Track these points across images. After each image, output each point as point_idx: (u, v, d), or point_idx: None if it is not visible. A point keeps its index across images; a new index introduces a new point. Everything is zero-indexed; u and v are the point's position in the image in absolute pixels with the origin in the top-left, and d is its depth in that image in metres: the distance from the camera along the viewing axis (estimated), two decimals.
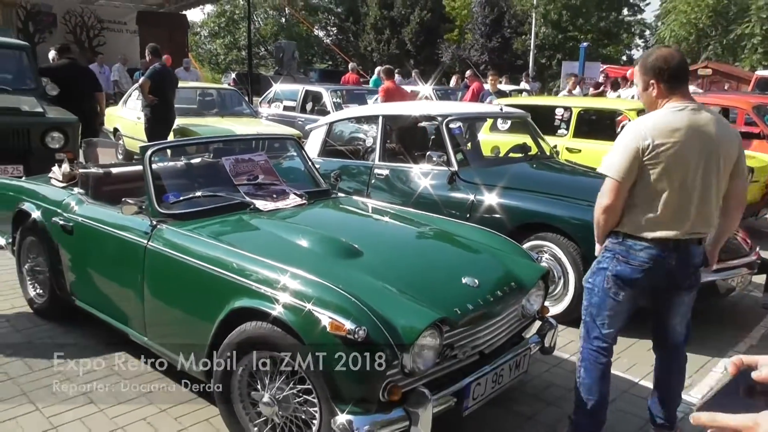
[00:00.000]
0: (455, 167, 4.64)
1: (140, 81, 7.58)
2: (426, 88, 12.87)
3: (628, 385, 3.34)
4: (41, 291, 3.86)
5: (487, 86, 10.02)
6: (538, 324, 3.06)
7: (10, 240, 4.04)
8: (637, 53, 31.09)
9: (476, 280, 2.67)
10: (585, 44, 20.02)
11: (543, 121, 6.72)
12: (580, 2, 26.53)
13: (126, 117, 9.69)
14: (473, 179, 4.60)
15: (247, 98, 11.06)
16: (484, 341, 2.66)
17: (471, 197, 4.50)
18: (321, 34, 37.84)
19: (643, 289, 2.49)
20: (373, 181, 5.14)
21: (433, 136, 5.70)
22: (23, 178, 4.25)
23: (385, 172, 5.08)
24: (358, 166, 5.36)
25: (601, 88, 13.42)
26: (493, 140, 7.09)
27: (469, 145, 5.83)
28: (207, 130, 7.82)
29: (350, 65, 14.25)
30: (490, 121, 7.84)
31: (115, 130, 9.85)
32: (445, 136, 4.76)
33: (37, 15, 17.86)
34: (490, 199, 4.38)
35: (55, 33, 18.16)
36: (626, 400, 3.18)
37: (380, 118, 5.25)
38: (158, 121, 7.75)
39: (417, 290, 2.49)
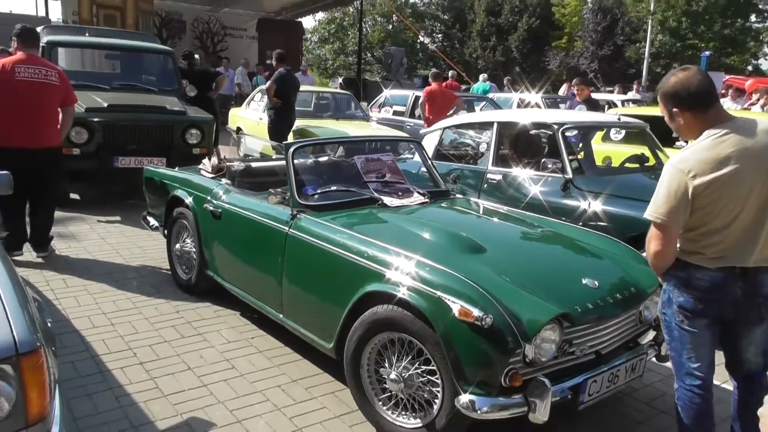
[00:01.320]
0: (570, 174, 4.69)
1: (266, 84, 8.15)
2: (534, 96, 12.80)
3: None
4: (187, 269, 4.34)
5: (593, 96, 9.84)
6: (653, 333, 3.09)
7: (163, 223, 4.57)
8: (766, 63, 28.96)
9: (596, 282, 2.77)
10: (707, 53, 18.97)
11: (661, 132, 6.57)
12: (702, 8, 25.09)
13: (248, 117, 10.41)
14: (588, 187, 4.63)
15: (358, 102, 11.51)
16: (601, 341, 2.74)
17: (584, 205, 4.54)
18: (426, 40, 38.24)
19: (714, 319, 2.28)
20: (485, 185, 5.28)
21: (546, 144, 5.75)
22: (177, 168, 4.78)
23: (498, 177, 5.20)
24: (470, 171, 5.53)
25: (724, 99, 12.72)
26: (605, 150, 7.00)
27: (582, 153, 5.84)
28: (324, 132, 8.28)
29: (450, 72, 14.43)
30: (601, 132, 7.73)
31: (238, 129, 10.60)
32: (561, 143, 4.82)
33: (170, 22, 19.47)
34: (605, 207, 4.40)
35: (184, 38, 19.70)
36: None
37: (495, 125, 5.39)
38: (281, 122, 8.33)
39: (539, 287, 2.63)
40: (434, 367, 2.55)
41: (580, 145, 5.99)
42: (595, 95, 11.66)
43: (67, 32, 8.62)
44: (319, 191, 3.50)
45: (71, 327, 3.67)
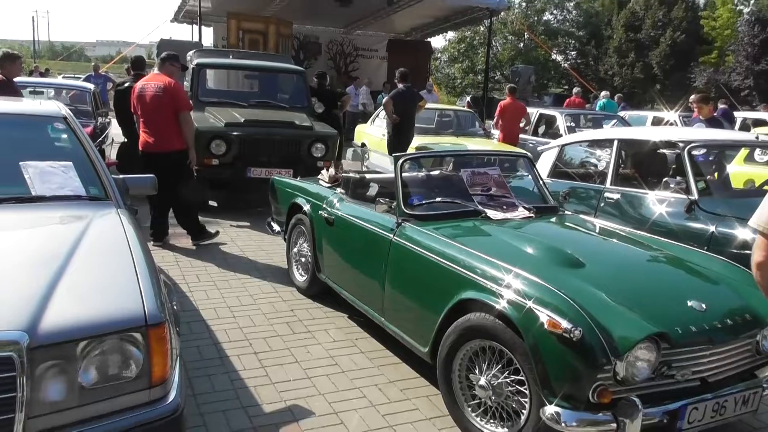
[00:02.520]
0: (695, 196, 4.43)
1: (384, 100, 8.47)
2: (671, 115, 12.10)
3: None
4: (303, 272, 4.66)
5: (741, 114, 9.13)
6: None
7: (284, 228, 4.95)
8: None
9: (703, 305, 2.64)
10: None
11: None
12: None
13: (372, 134, 10.85)
14: (716, 210, 4.34)
15: (480, 120, 11.55)
16: (707, 368, 2.60)
17: (711, 228, 4.26)
18: (559, 58, 37.29)
19: None
20: (602, 204, 5.13)
21: (671, 164, 5.46)
22: (298, 178, 5.16)
23: (616, 196, 5.03)
24: (587, 189, 5.38)
25: None
26: (749, 172, 6.49)
27: (715, 174, 5.48)
28: (441, 148, 8.43)
29: (574, 89, 14.02)
30: (744, 152, 7.17)
31: (363, 144, 11.07)
32: (687, 162, 4.57)
33: (307, 44, 20.75)
34: (735, 232, 4.10)
35: (319, 59, 20.87)
36: None
37: (615, 142, 5.22)
38: (400, 138, 8.59)
39: (637, 305, 2.56)
40: (523, 378, 2.56)
41: (713, 165, 5.63)
42: (743, 114, 10.80)
43: (213, 55, 9.54)
44: (424, 202, 3.64)
45: (199, 316, 4.09)
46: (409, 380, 3.35)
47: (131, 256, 2.36)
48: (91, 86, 9.72)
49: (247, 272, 5.10)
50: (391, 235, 3.43)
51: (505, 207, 3.68)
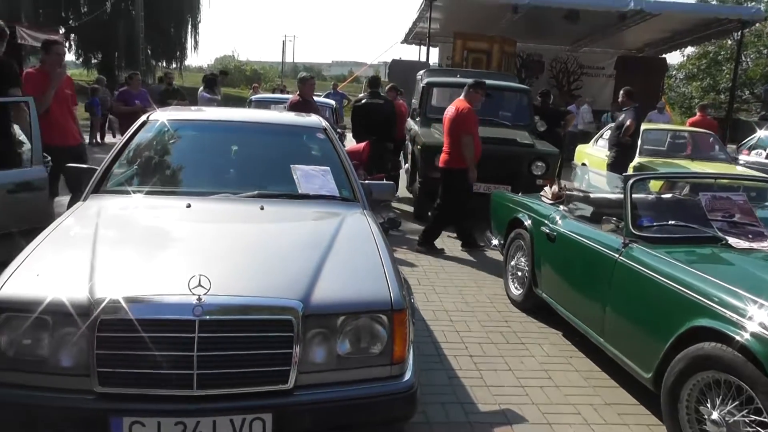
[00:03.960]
0: None
1: (627, 122, 8.15)
2: None
3: None
4: (518, 285, 4.75)
5: None
6: None
7: (502, 241, 5.09)
8: None
9: None
10: None
11: None
12: None
13: (594, 154, 10.47)
14: None
15: (721, 143, 10.46)
16: None
17: None
18: None
19: None
20: None
21: None
22: (519, 194, 5.28)
23: None
24: None
25: None
26: None
27: None
28: (670, 170, 7.84)
29: None
30: None
31: (583, 164, 10.73)
32: None
33: (529, 63, 20.66)
34: None
35: (541, 78, 20.61)
36: None
37: None
38: (625, 158, 8.21)
39: None
40: (766, 419, 2.36)
41: None
42: None
43: (441, 74, 10.06)
44: (655, 224, 3.50)
45: (419, 316, 4.40)
46: (626, 405, 3.25)
47: (378, 250, 2.70)
48: (332, 102, 10.89)
49: (463, 281, 5.33)
50: (617, 255, 3.37)
51: (751, 236, 3.37)
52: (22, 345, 2.05)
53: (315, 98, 7.63)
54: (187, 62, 36.48)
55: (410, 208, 8.23)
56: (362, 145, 6.79)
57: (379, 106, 7.94)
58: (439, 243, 6.41)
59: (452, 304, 4.72)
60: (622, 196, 3.62)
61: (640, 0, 13.80)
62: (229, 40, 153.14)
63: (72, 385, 2.03)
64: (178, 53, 34.49)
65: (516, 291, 4.77)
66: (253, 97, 11.24)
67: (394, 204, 8.31)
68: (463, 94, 6.26)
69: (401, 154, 9.78)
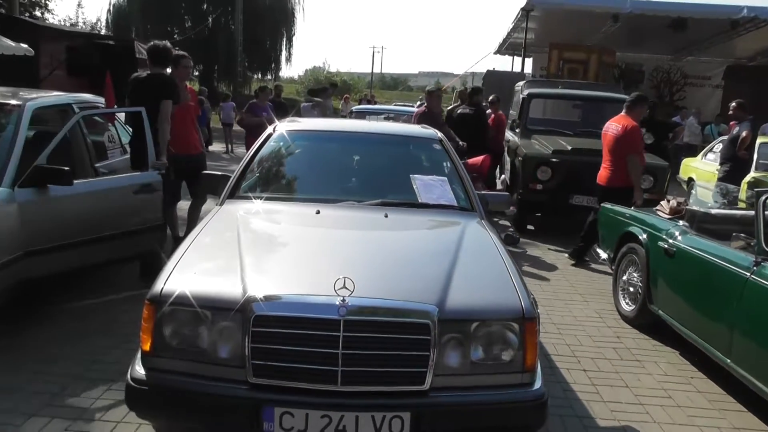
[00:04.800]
0: None
1: (743, 134, 7.76)
2: None
3: None
4: (630, 301, 4.62)
5: None
6: None
7: (612, 255, 4.97)
8: None
9: None
10: None
11: None
12: None
13: (703, 168, 10.00)
14: None
15: None
16: None
17: None
18: None
19: None
20: None
21: None
22: (632, 207, 5.14)
23: None
24: None
25: None
26: None
27: None
28: None
29: None
30: None
31: (690, 179, 10.25)
32: None
33: (628, 72, 19.93)
34: None
35: (641, 88, 19.80)
36: None
37: None
38: (737, 173, 7.79)
39: None
40: None
41: None
42: None
43: (542, 85, 9.94)
44: None
45: None
46: (757, 431, 3.10)
47: (502, 258, 2.75)
48: None
49: (569, 294, 5.25)
50: (748, 274, 3.23)
51: None
52: (183, 336, 2.25)
53: (408, 108, 7.74)
54: (279, 74, 37.93)
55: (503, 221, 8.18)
56: (481, 158, 6.77)
57: (468, 115, 8.01)
58: (542, 255, 6.33)
59: (559, 317, 4.66)
60: (752, 212, 3.47)
61: (755, 7, 13.06)
62: (319, 52, 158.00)
63: (228, 375, 2.20)
64: (272, 65, 35.94)
65: (627, 307, 4.65)
66: (354, 108, 11.60)
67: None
68: (625, 110, 5.93)
69: (497, 166, 9.74)
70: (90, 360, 3.40)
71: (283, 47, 35.32)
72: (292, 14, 34.76)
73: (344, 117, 11.11)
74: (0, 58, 11.59)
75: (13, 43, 12.15)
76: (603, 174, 6.00)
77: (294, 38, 35.87)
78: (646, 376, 3.70)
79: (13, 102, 4.02)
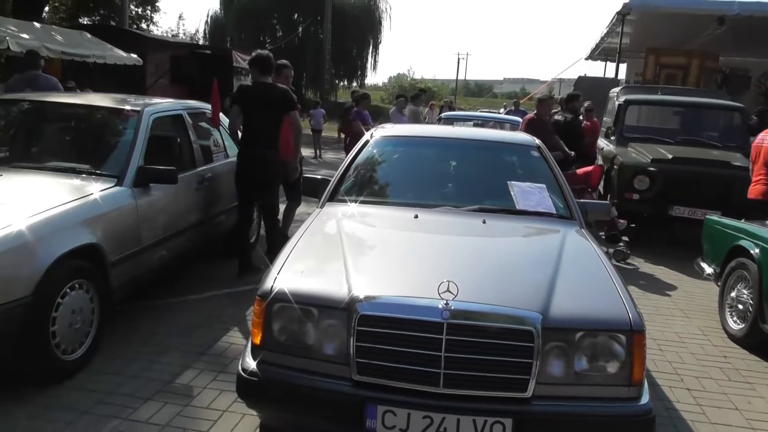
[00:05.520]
0: None
1: None
2: None
3: None
4: (738, 319, 4.35)
5: None
6: None
7: (718, 270, 4.70)
8: None
9: None
10: None
11: None
12: None
13: None
14: None
15: None
16: None
17: None
18: None
19: None
20: None
21: None
22: (742, 220, 4.84)
23: None
24: None
25: None
26: None
27: None
28: None
29: None
30: None
31: None
32: None
33: (733, 78, 18.78)
34: None
35: (747, 94, 18.60)
36: None
37: None
38: None
39: None
40: None
41: None
42: None
43: (639, 92, 9.55)
44: None
45: None
46: None
47: (605, 268, 2.68)
48: (518, 119, 10.87)
49: (670, 310, 5.01)
50: None
51: None
52: (291, 332, 2.35)
53: (494, 114, 7.61)
54: (365, 81, 38.58)
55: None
56: (591, 168, 6.58)
57: (562, 123, 7.81)
58: (638, 267, 6.08)
59: (660, 333, 4.46)
60: None
61: None
62: (403, 58, 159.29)
63: (332, 371, 2.27)
64: (358, 72, 36.66)
65: (735, 325, 4.38)
66: (443, 114, 11.65)
67: None
68: None
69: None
70: (196, 352, 3.60)
71: (369, 55, 35.97)
72: (379, 22, 35.34)
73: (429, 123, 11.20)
74: (111, 67, 12.54)
75: (124, 54, 13.11)
76: (758, 189, 5.64)
77: (380, 46, 36.51)
78: (758, 399, 3.48)
79: (133, 108, 4.32)
